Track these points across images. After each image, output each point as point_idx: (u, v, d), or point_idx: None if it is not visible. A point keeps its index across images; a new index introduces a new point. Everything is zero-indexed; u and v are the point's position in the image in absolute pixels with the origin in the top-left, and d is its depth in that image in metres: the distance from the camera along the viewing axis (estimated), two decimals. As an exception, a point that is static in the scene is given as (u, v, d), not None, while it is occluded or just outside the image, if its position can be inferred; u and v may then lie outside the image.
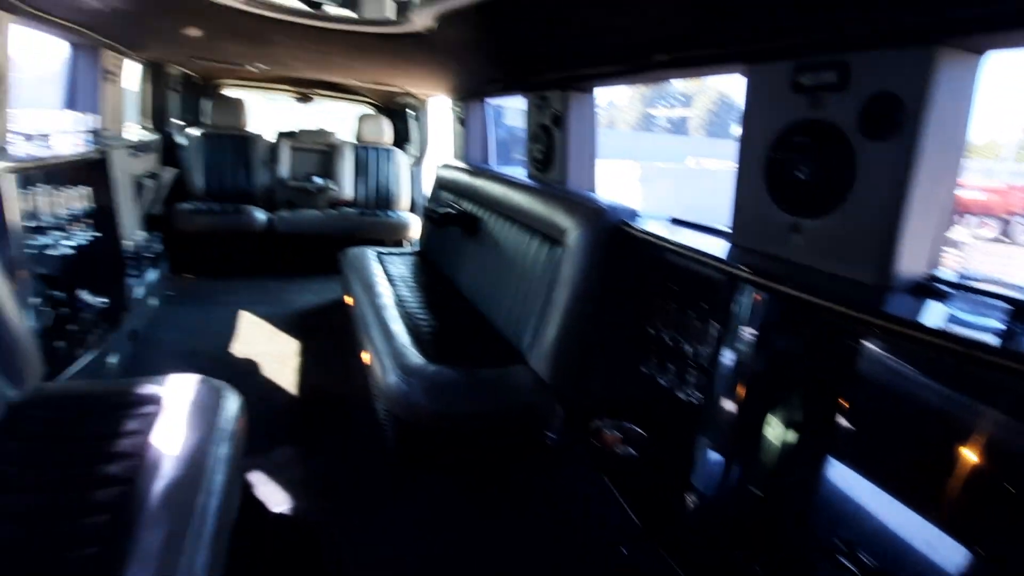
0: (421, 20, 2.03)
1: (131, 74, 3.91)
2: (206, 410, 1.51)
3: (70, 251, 2.68)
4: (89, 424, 1.44)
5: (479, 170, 3.21)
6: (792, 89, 1.26)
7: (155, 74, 4.18)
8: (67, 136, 2.49)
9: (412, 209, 5.04)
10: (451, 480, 1.99)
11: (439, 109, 4.84)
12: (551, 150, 2.55)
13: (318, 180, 4.74)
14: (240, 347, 2.99)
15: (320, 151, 4.96)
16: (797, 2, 1.06)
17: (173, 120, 4.54)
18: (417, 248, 3.95)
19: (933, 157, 1.05)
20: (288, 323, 3.36)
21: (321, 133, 5.05)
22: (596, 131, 2.47)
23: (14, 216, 1.92)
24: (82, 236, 2.79)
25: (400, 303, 2.62)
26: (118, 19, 2.29)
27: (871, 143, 1.12)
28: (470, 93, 3.53)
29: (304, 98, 5.42)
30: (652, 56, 1.71)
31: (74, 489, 1.20)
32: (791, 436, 1.48)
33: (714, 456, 1.58)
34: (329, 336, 3.19)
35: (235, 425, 1.52)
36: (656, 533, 1.44)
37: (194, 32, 2.56)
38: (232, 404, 1.59)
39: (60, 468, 1.27)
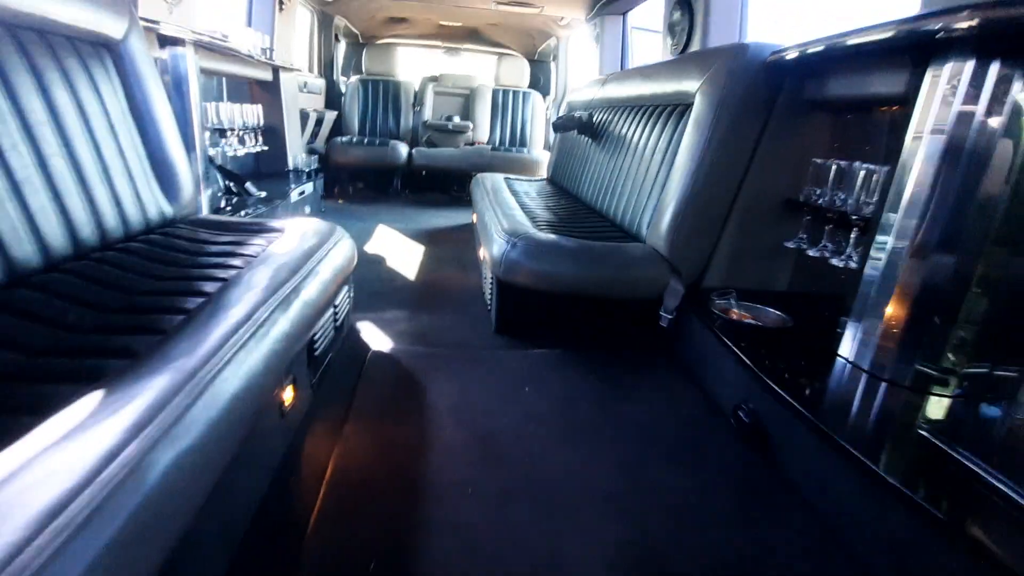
0: None
1: (303, 26, 4.42)
2: (320, 236, 1.60)
3: (244, 153, 3.10)
4: (222, 236, 1.60)
5: (608, 77, 3.00)
6: None
7: (323, 25, 4.65)
8: (243, 41, 2.85)
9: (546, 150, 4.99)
10: (556, 352, 1.86)
11: (576, 52, 4.71)
12: (691, 26, 2.27)
13: (456, 120, 4.91)
14: (372, 246, 3.22)
15: (460, 94, 5.14)
16: None
17: (338, 73, 5.05)
18: (546, 177, 3.88)
19: None
20: (416, 236, 3.53)
21: (462, 77, 5.23)
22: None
23: (195, 85, 2.22)
24: (255, 144, 3.21)
25: (523, 207, 2.56)
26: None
27: None
28: (607, 3, 3.33)
29: (452, 51, 5.66)
30: None
31: (198, 267, 1.32)
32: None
33: (876, 323, 1.26)
34: (452, 247, 3.29)
35: (344, 250, 1.59)
36: (798, 399, 1.18)
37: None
38: (345, 238, 1.67)
39: (192, 256, 1.42)
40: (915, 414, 1.13)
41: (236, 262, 1.40)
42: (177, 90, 2.20)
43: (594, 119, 2.90)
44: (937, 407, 1.15)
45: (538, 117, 5.07)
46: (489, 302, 2.16)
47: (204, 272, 1.30)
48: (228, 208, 2.63)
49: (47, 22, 1.31)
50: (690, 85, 1.83)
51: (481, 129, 5.01)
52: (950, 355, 1.18)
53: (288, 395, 1.19)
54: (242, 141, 3.16)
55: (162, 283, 1.22)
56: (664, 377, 1.73)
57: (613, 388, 1.63)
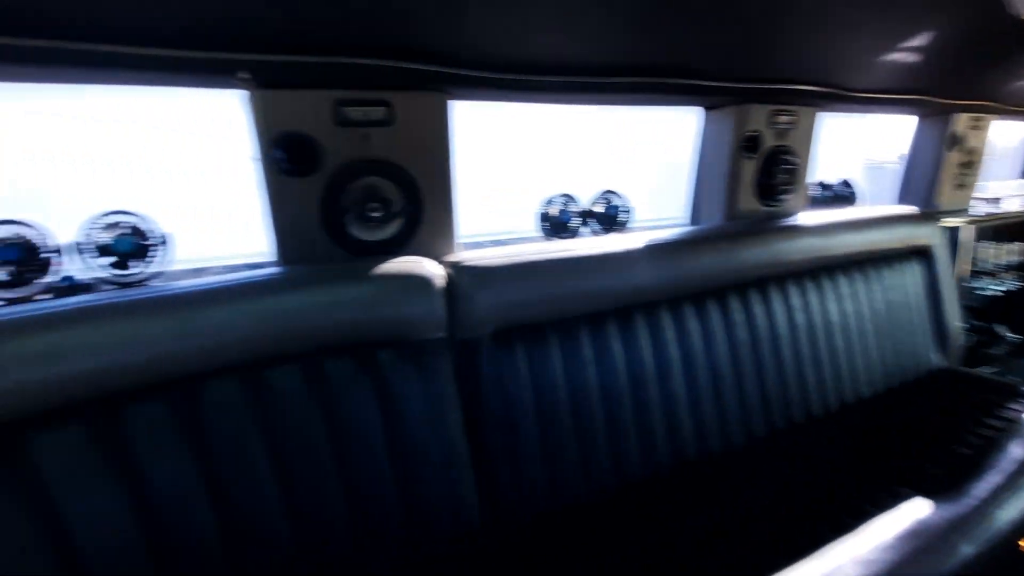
0: None
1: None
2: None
3: (996, 293, 3.25)
4: (972, 396, 1.96)
5: None
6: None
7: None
8: (1013, 198, 3.07)
9: None
10: None
11: None
12: None
13: None
14: None
15: None
16: None
17: None
18: None
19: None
20: None
21: None
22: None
23: (968, 258, 2.70)
24: (1008, 283, 3.28)
25: None
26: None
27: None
28: None
29: None
30: None
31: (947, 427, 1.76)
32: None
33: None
34: None
35: None
36: None
37: None
38: None
39: (942, 412, 1.87)
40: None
41: (984, 431, 1.74)
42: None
43: None
44: None
45: None
46: None
47: (956, 434, 1.72)
48: (975, 346, 2.89)
49: (869, 252, 2.08)
50: None
51: None
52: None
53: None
54: (996, 278, 3.31)
55: (926, 433, 1.75)
56: None
57: None
